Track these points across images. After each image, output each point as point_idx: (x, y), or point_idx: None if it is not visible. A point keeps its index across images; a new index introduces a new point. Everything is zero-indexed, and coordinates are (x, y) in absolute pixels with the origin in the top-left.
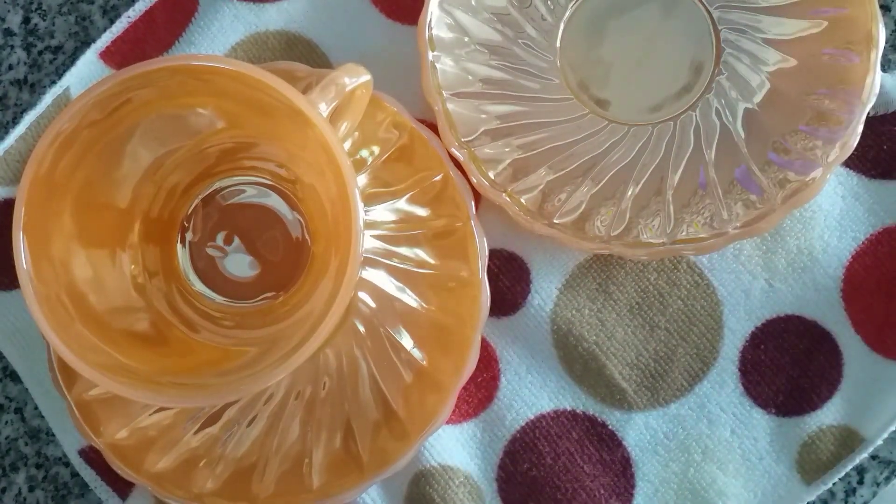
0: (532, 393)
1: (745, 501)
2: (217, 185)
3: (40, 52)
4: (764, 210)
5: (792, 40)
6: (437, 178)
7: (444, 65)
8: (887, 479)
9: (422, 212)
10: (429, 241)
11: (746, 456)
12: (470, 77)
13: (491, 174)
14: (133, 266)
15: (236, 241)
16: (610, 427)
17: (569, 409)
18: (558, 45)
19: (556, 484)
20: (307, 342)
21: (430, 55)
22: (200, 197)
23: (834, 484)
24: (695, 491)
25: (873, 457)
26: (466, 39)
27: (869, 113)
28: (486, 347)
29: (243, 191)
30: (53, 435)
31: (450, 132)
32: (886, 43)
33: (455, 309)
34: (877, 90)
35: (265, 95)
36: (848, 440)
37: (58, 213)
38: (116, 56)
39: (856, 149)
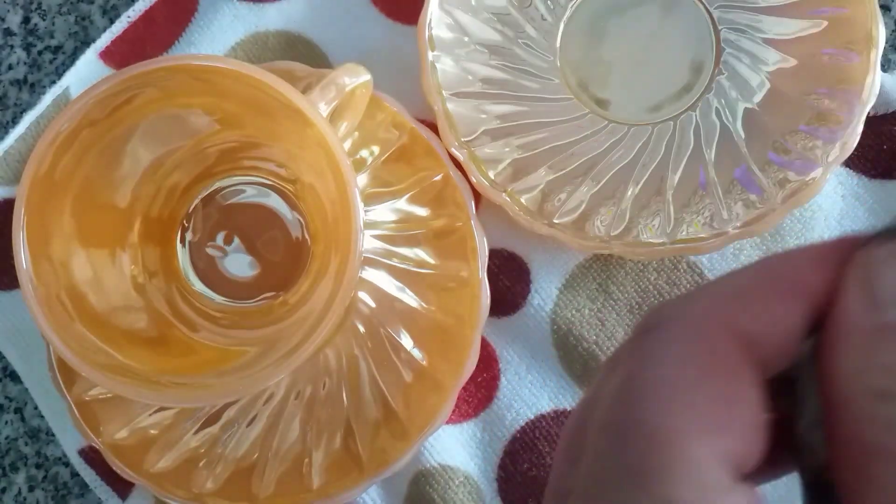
0: (532, 393)
1: None
2: (217, 184)
3: (40, 52)
4: (764, 210)
5: (792, 40)
6: (437, 178)
7: (444, 65)
8: None
9: (422, 212)
10: (429, 241)
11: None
12: (470, 77)
13: (491, 174)
14: (133, 266)
15: (236, 240)
16: None
17: (569, 409)
18: (558, 44)
19: None
20: (307, 342)
21: (430, 55)
22: (200, 197)
23: None
24: None
25: None
26: (466, 39)
27: (869, 113)
28: (486, 347)
29: (243, 191)
30: (53, 435)
31: (450, 132)
32: (886, 43)
33: (455, 309)
34: (877, 90)
35: (265, 95)
36: None
37: (58, 213)
38: (116, 56)
39: (856, 149)
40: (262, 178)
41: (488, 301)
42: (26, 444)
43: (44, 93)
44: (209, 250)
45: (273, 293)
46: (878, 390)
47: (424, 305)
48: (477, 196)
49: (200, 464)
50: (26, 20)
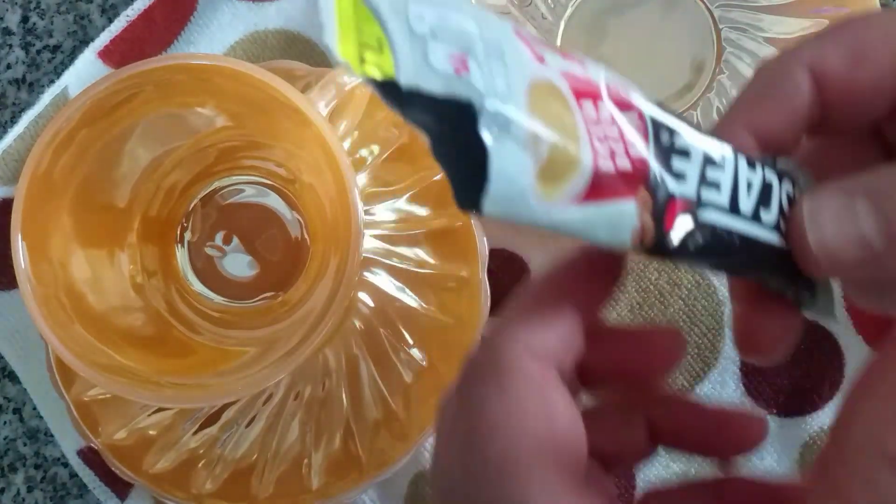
0: None
1: None
2: (216, 184)
3: (39, 52)
4: None
5: (793, 39)
6: (437, 177)
7: None
8: None
9: (422, 211)
10: (429, 240)
11: (747, 456)
12: None
13: None
14: (132, 266)
15: (235, 240)
16: None
17: None
18: (558, 43)
19: None
20: (306, 342)
21: None
22: (199, 196)
23: None
24: None
25: None
26: None
27: None
28: None
29: (242, 190)
30: (52, 435)
31: None
32: None
33: (455, 309)
34: None
35: (265, 94)
36: None
37: (56, 213)
38: (115, 55)
39: None
40: (262, 177)
41: (488, 301)
42: (25, 444)
43: (42, 92)
44: (208, 250)
45: (272, 293)
46: (891, 458)
47: (424, 305)
48: None
49: (199, 464)
50: (25, 19)
